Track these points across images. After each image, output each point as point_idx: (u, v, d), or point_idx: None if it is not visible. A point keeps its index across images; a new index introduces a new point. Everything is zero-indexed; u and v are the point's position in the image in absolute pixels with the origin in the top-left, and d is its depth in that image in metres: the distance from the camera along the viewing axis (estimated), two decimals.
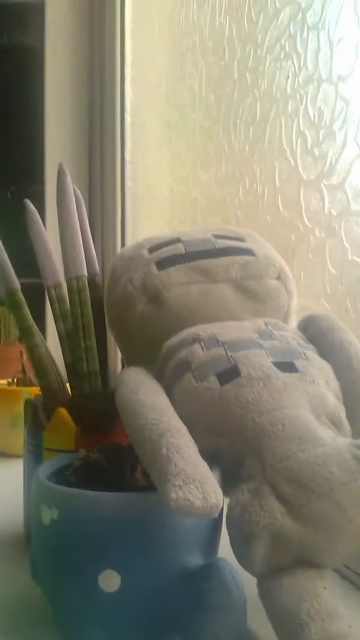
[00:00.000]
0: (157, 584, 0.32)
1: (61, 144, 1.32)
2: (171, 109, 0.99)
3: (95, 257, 0.56)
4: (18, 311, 0.50)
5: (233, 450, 0.34)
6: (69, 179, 0.50)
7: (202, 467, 0.30)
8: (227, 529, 0.32)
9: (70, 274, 0.49)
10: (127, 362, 0.51)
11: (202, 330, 0.44)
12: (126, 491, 0.33)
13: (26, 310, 0.51)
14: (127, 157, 1.21)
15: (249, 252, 0.48)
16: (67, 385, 0.51)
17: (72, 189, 0.51)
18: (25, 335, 0.51)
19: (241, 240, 0.50)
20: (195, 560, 0.32)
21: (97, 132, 1.32)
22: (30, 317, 0.51)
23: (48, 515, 0.33)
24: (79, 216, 0.51)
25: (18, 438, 0.75)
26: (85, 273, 0.50)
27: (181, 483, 0.29)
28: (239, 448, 0.34)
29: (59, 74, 1.32)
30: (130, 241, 1.19)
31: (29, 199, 0.54)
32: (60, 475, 0.37)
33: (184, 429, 0.33)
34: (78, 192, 0.54)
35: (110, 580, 0.31)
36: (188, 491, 0.28)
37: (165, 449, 0.31)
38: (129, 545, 0.31)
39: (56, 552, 0.33)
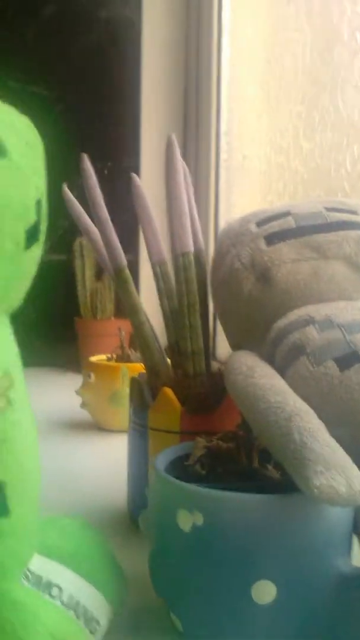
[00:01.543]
0: (312, 592, 0.30)
1: (156, 118, 1.31)
2: (271, 76, 0.95)
3: (200, 233, 0.54)
4: (124, 288, 0.50)
5: (356, 441, 0.32)
6: (178, 151, 0.48)
7: (340, 451, 0.28)
8: (357, 526, 0.30)
9: (177, 251, 0.48)
10: (232, 343, 0.49)
11: (314, 311, 0.41)
12: (261, 485, 0.31)
13: (132, 286, 0.50)
14: (223, 128, 1.19)
15: None
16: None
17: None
18: (131, 312, 0.50)
19: (354, 213, 0.47)
20: (347, 563, 0.30)
21: (193, 104, 1.29)
22: (136, 294, 0.50)
23: (189, 520, 0.30)
24: (186, 190, 0.50)
25: (116, 413, 0.76)
26: (192, 249, 0.48)
27: (322, 469, 0.26)
28: None
29: (155, 46, 1.30)
30: (223, 216, 1.17)
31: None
32: (181, 468, 0.35)
33: (311, 411, 0.31)
34: (184, 164, 0.53)
35: (264, 592, 0.29)
36: (331, 477, 0.26)
37: (296, 433, 0.29)
38: (284, 552, 0.29)
39: (200, 562, 0.30)
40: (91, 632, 0.29)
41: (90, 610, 0.29)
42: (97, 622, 0.29)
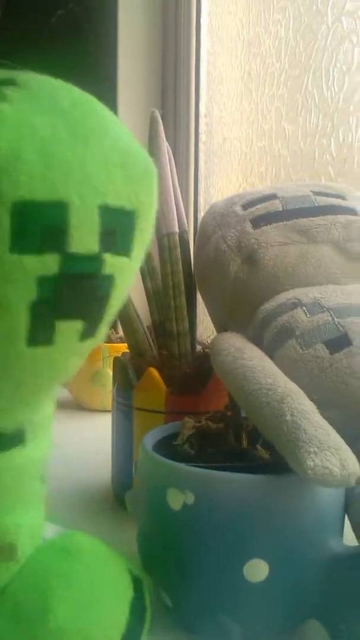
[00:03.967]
0: (305, 571, 0.30)
1: (133, 100, 1.29)
2: (253, 58, 0.95)
3: (184, 213, 0.54)
4: None
5: (347, 424, 0.32)
6: (161, 128, 0.48)
7: (333, 432, 0.28)
8: (348, 509, 0.30)
9: (162, 231, 0.47)
10: (217, 325, 0.49)
11: (302, 294, 0.41)
12: (250, 465, 0.31)
13: None
14: (202, 110, 1.18)
15: (352, 211, 0.45)
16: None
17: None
18: None
19: (342, 197, 0.47)
20: (339, 543, 0.30)
21: (171, 86, 1.28)
22: None
23: (180, 499, 0.30)
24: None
25: (97, 393, 0.76)
26: (177, 230, 0.48)
27: (316, 450, 0.27)
28: (355, 421, 0.32)
29: (132, 24, 1.28)
30: (203, 198, 1.16)
31: None
32: (169, 448, 0.34)
33: (302, 393, 0.31)
34: (167, 144, 0.52)
35: (256, 570, 0.29)
36: (325, 458, 0.26)
37: (289, 414, 0.29)
38: (277, 531, 0.29)
39: (191, 540, 0.30)
40: None
41: None
42: None
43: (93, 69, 1.33)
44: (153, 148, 0.48)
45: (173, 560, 0.31)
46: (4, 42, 1.30)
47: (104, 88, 1.30)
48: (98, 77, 1.33)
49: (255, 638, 0.31)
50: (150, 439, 0.36)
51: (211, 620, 0.31)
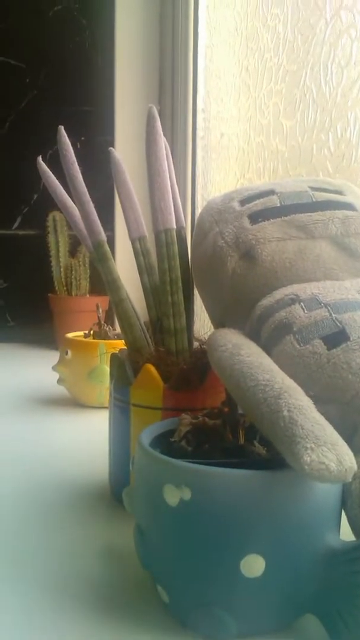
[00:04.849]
0: (301, 566, 0.30)
1: (130, 94, 1.28)
2: (251, 53, 0.94)
3: (181, 209, 0.54)
4: (104, 263, 0.49)
5: (344, 419, 0.33)
6: (159, 124, 0.47)
7: (330, 428, 0.28)
8: (344, 503, 0.30)
9: (159, 227, 0.47)
10: (214, 321, 0.49)
11: (300, 290, 0.41)
12: (247, 461, 0.31)
13: (112, 262, 0.50)
14: (200, 106, 1.17)
15: (349, 206, 0.45)
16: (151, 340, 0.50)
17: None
18: (111, 288, 0.49)
19: (340, 193, 0.47)
20: (335, 538, 0.30)
21: (168, 82, 1.27)
22: (116, 270, 0.50)
23: (176, 495, 0.30)
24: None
25: (94, 389, 0.76)
26: (175, 226, 0.48)
27: (312, 445, 0.26)
28: (352, 416, 0.32)
29: (130, 20, 1.27)
30: (201, 194, 1.16)
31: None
32: (166, 444, 0.34)
33: (299, 389, 0.31)
34: (165, 140, 0.52)
35: (253, 565, 0.29)
36: (322, 454, 0.26)
37: (286, 410, 0.28)
38: (273, 527, 0.29)
39: (188, 536, 0.30)
40: None
41: None
42: None
43: (90, 65, 1.33)
44: (150, 144, 0.48)
45: (170, 556, 0.31)
46: (5, 37, 1.30)
47: (101, 83, 1.30)
48: (95, 73, 1.32)
49: (251, 633, 0.31)
50: (147, 436, 0.36)
51: (207, 615, 0.31)
